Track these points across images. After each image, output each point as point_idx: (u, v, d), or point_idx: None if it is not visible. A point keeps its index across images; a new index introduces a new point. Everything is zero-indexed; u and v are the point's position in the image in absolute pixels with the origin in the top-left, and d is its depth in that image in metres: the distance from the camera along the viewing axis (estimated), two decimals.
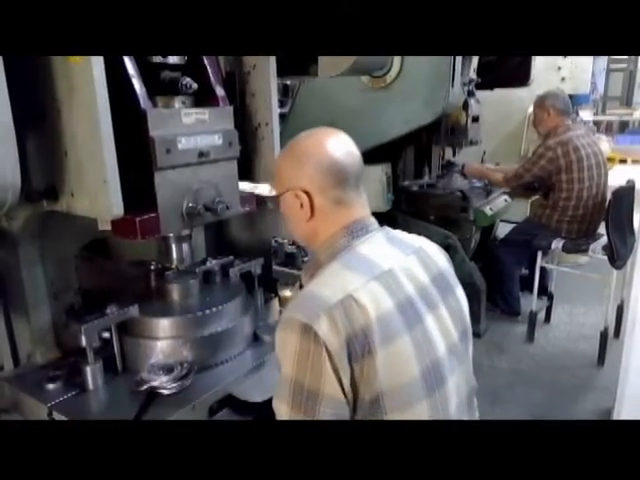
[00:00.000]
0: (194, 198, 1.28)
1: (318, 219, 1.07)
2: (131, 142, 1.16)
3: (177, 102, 1.30)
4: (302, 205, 1.06)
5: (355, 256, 1.03)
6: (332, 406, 0.93)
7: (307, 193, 1.05)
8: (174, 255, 1.49)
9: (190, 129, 1.25)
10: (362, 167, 1.09)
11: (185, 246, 1.49)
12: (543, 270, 3.47)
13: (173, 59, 1.29)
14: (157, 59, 1.26)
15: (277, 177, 1.11)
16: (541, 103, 3.42)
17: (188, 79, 1.27)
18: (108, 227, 1.22)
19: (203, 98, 1.34)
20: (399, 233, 1.14)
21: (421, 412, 0.98)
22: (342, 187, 1.05)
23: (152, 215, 1.21)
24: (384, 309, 0.96)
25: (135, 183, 1.19)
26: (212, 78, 1.35)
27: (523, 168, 3.41)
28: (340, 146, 1.07)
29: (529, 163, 3.40)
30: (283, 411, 0.97)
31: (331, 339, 0.91)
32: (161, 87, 1.26)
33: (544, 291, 3.63)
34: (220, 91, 1.35)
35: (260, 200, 1.58)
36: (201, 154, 1.27)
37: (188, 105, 1.31)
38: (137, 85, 1.17)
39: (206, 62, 1.35)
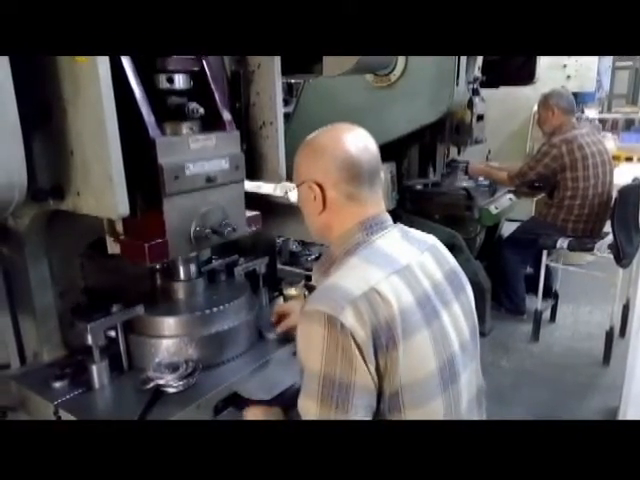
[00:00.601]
0: (201, 221, 1.29)
1: (331, 213, 1.08)
2: (140, 168, 1.17)
3: (185, 128, 1.31)
4: (315, 197, 1.07)
5: (374, 251, 1.04)
6: (365, 397, 0.93)
7: (320, 186, 1.06)
8: (181, 273, 1.52)
9: (198, 154, 1.26)
10: (379, 164, 1.11)
11: (192, 266, 1.53)
12: (548, 269, 3.46)
13: (179, 85, 1.30)
14: (164, 85, 1.28)
15: (295, 170, 1.14)
16: (545, 102, 3.41)
17: (194, 104, 1.28)
18: (118, 251, 1.24)
19: (210, 123, 1.35)
20: (412, 230, 1.16)
21: (436, 408, 0.99)
22: (356, 182, 1.06)
23: (160, 240, 1.22)
24: (405, 303, 0.97)
25: (144, 207, 1.21)
26: (219, 103, 1.35)
27: (527, 166, 3.40)
28: (357, 142, 1.08)
29: (533, 161, 3.39)
30: (311, 409, 0.95)
31: (358, 330, 0.91)
32: (168, 113, 1.27)
33: (549, 290, 3.62)
34: (227, 115, 1.36)
35: (264, 201, 1.59)
36: (208, 179, 1.27)
37: (196, 130, 1.32)
38: (145, 113, 1.18)
39: (213, 87, 1.35)
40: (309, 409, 0.96)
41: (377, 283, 0.96)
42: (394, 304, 0.95)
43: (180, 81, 1.30)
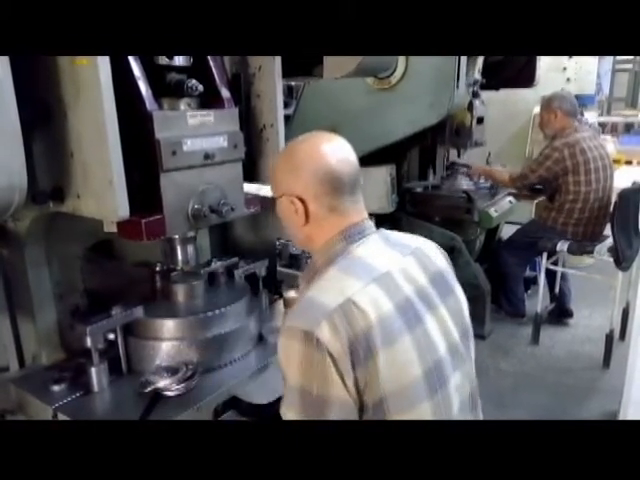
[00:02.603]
0: (199, 200, 1.28)
1: (313, 225, 1.07)
2: (137, 144, 1.16)
3: (183, 104, 1.30)
4: (297, 211, 1.06)
5: (352, 260, 1.03)
6: (342, 411, 0.93)
7: (302, 200, 1.05)
8: (179, 257, 1.49)
9: (196, 131, 1.25)
10: (359, 174, 1.09)
11: (190, 247, 1.49)
12: (551, 272, 3.47)
13: (179, 61, 1.29)
14: (163, 61, 1.26)
15: (273, 181, 1.12)
16: (548, 105, 3.40)
17: (194, 81, 1.27)
18: (114, 229, 1.22)
19: (209, 100, 1.34)
20: (396, 234, 1.15)
21: (424, 413, 0.98)
22: (337, 195, 1.05)
23: (158, 217, 1.21)
24: (384, 311, 0.96)
25: (141, 184, 1.19)
26: (217, 80, 1.35)
27: (529, 169, 3.40)
28: (336, 153, 1.06)
29: (535, 164, 3.38)
30: (291, 418, 0.97)
31: (333, 344, 0.91)
32: (167, 89, 1.27)
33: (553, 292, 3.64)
34: (225, 93, 1.35)
35: (265, 201, 1.58)
36: (206, 156, 1.27)
37: (194, 107, 1.32)
38: (143, 87, 1.17)
39: (211, 64, 1.34)
40: (289, 418, 0.97)
41: (354, 294, 0.95)
42: (371, 314, 0.94)
43: (180, 57, 1.29)
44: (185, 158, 1.22)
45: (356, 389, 0.93)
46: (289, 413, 0.97)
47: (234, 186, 1.38)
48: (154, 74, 1.22)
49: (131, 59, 1.17)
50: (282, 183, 1.09)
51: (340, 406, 0.93)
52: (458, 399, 1.06)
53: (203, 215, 1.28)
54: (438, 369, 1.01)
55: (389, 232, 1.14)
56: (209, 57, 1.35)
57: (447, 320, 1.08)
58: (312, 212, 1.06)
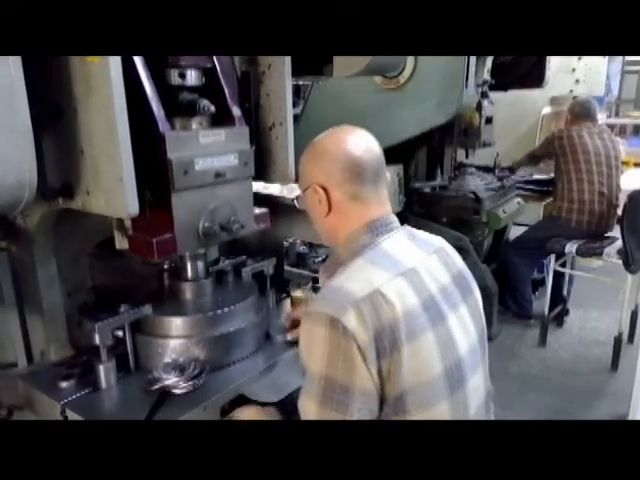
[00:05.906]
0: (210, 217, 1.28)
1: (336, 215, 1.08)
2: (149, 163, 1.17)
3: (194, 123, 1.31)
4: (320, 201, 1.07)
5: (379, 253, 1.03)
6: (365, 400, 0.93)
7: (324, 188, 1.07)
8: (189, 273, 1.52)
9: (207, 150, 1.25)
10: (382, 164, 1.11)
11: (200, 263, 1.52)
12: (556, 273, 3.45)
13: (192, 81, 1.30)
14: (176, 81, 1.28)
15: (300, 176, 1.14)
16: (569, 108, 3.67)
17: (206, 101, 1.27)
18: (126, 246, 1.24)
19: (220, 118, 1.35)
20: (420, 232, 1.16)
21: (443, 411, 0.98)
22: (359, 182, 1.06)
23: (168, 235, 1.21)
24: (410, 305, 0.96)
25: (152, 202, 1.21)
26: (229, 99, 1.35)
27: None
28: (358, 142, 1.08)
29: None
30: (311, 410, 0.95)
31: (360, 332, 0.91)
32: (179, 108, 1.27)
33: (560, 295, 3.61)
34: (237, 111, 1.36)
35: (272, 202, 1.58)
36: (217, 174, 1.27)
37: (205, 126, 1.32)
38: (155, 107, 1.17)
39: (223, 83, 1.35)
40: (309, 409, 0.96)
41: (381, 285, 0.95)
42: (398, 306, 0.94)
43: (192, 77, 1.30)
44: (196, 177, 1.23)
45: (379, 379, 0.92)
46: (309, 403, 0.95)
47: (244, 203, 1.39)
48: (166, 94, 1.23)
49: (144, 78, 1.17)
50: (306, 175, 1.11)
51: (363, 395, 0.92)
52: (475, 401, 1.06)
53: (213, 233, 1.28)
54: (458, 369, 1.01)
55: (414, 229, 1.15)
56: (220, 75, 1.35)
57: (467, 320, 1.08)
58: (334, 200, 1.07)
